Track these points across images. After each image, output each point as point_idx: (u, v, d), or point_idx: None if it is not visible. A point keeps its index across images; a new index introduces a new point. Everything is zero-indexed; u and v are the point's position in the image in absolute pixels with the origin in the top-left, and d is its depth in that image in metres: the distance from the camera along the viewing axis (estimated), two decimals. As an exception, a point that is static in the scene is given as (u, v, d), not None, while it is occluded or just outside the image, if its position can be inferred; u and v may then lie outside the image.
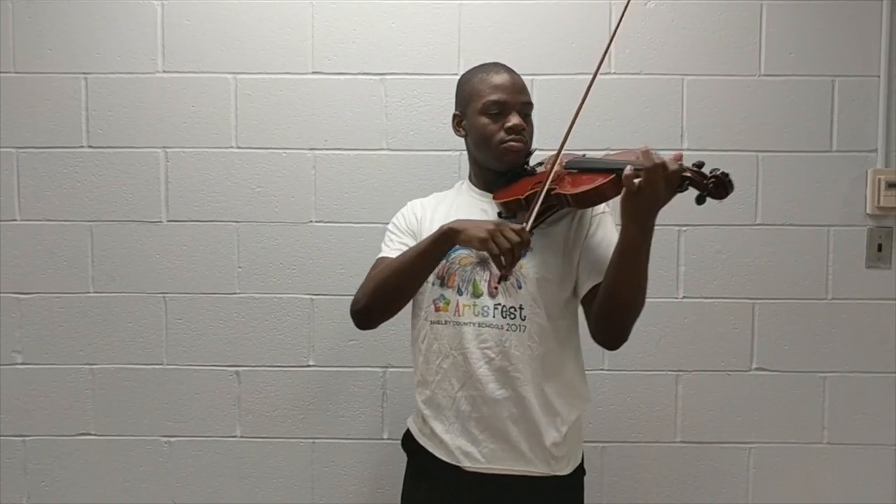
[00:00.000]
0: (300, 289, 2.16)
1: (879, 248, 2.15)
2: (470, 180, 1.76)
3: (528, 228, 1.48)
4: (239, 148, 2.15)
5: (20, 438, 2.18)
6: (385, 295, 1.63)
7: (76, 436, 2.18)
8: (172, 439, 2.18)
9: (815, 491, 2.18)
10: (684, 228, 2.14)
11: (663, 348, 2.16)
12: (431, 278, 1.64)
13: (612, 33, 1.56)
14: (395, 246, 1.70)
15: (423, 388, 1.67)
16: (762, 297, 2.16)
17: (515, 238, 1.45)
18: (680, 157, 1.42)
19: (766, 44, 2.14)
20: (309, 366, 2.17)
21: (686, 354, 2.16)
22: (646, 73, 2.14)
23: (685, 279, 2.16)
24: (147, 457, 2.18)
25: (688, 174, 1.40)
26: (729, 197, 1.40)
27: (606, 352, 2.11)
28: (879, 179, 2.12)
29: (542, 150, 1.71)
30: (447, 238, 1.54)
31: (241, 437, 2.18)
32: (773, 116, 2.14)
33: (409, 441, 1.73)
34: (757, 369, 2.17)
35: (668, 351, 2.16)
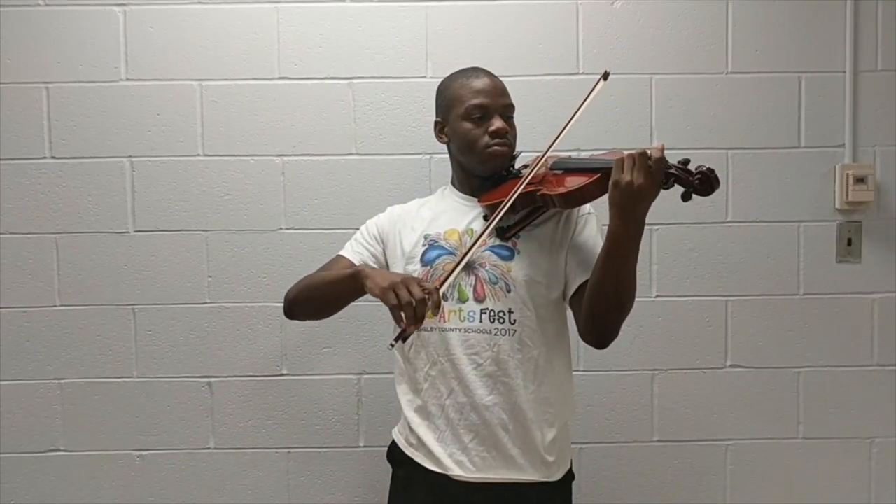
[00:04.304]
0: (271, 297, 2.12)
1: (849, 242, 2.16)
2: (453, 185, 1.74)
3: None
4: (206, 155, 2.13)
5: (-12, 456, 2.14)
6: (306, 301, 1.71)
7: (46, 452, 2.14)
8: (145, 453, 2.14)
9: (793, 486, 2.18)
10: (656, 227, 2.14)
11: (638, 348, 2.16)
12: None
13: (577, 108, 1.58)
14: (353, 248, 1.74)
15: (412, 397, 1.63)
16: (735, 293, 2.16)
17: (419, 294, 1.40)
18: (662, 149, 1.40)
19: (732, 41, 2.15)
20: (282, 374, 2.14)
21: (661, 353, 2.17)
22: (614, 73, 2.12)
23: (658, 278, 2.16)
24: (119, 472, 2.14)
25: (672, 169, 1.40)
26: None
27: (582, 353, 2.12)
28: (847, 174, 2.13)
29: (526, 151, 1.70)
30: (355, 279, 1.55)
31: (215, 448, 2.15)
32: (742, 114, 2.15)
33: (395, 452, 1.69)
34: (731, 366, 2.17)
35: (643, 350, 2.16)
